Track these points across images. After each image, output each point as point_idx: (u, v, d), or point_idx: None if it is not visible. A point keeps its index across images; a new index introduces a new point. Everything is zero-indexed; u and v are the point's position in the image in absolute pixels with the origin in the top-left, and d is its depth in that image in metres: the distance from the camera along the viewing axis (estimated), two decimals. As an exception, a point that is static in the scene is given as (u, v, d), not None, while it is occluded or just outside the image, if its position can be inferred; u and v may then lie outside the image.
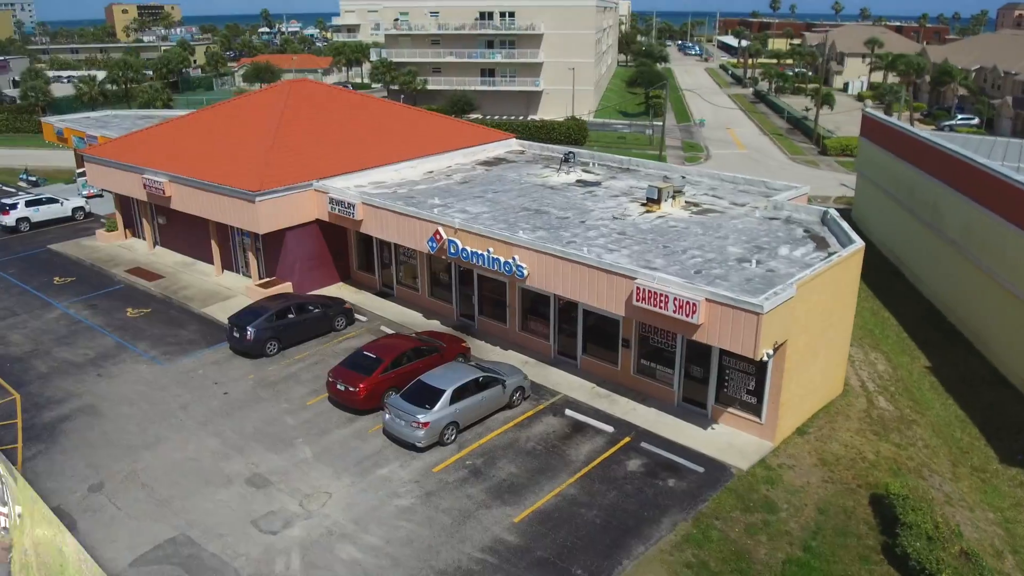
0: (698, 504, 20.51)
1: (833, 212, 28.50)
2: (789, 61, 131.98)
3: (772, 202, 30.59)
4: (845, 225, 27.10)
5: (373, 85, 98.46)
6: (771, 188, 33.09)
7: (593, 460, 22.14)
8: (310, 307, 29.47)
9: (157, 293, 34.54)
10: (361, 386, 23.78)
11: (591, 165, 37.97)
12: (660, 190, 30.22)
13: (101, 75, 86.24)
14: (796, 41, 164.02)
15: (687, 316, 21.34)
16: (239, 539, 18.99)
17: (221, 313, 31.82)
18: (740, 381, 23.40)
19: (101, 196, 50.66)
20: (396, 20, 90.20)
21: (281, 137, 34.95)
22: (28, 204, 45.00)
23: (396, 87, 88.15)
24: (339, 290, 34.41)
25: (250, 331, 27.58)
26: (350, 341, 29.56)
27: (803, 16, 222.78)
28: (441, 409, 22.20)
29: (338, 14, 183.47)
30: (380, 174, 35.44)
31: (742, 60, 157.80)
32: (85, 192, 50.81)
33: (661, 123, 71.52)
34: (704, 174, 35.37)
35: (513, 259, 25.52)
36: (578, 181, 35.17)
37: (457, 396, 22.65)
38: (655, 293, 21.81)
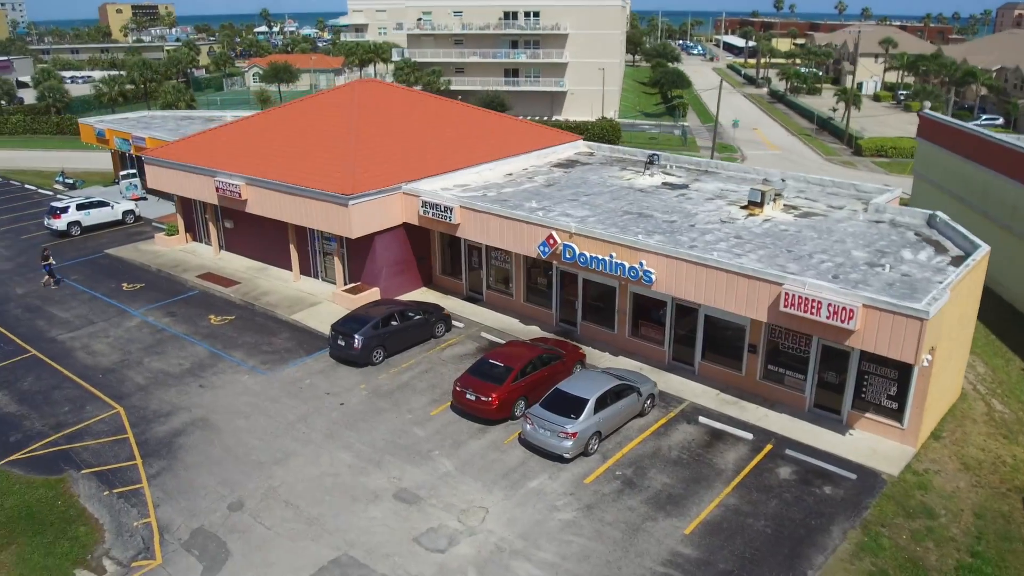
0: (861, 511, 20.09)
1: (942, 215, 28.20)
2: (797, 61, 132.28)
3: (874, 205, 30.23)
4: (960, 228, 26.79)
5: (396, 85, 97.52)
6: (862, 191, 32.77)
7: (743, 468, 21.64)
8: (411, 313, 28.77)
9: (237, 300, 33.69)
10: (494, 396, 23.15)
11: (668, 167, 37.48)
12: (763, 193, 29.79)
13: (100, 75, 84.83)
14: (800, 41, 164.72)
15: (842, 322, 20.89)
16: (407, 559, 18.30)
17: (311, 320, 31.06)
18: (880, 386, 22.98)
19: (145, 199, 49.66)
20: (419, 20, 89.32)
21: (361, 139, 34.21)
22: (79, 207, 43.92)
23: (420, 87, 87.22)
24: (424, 295, 33.71)
25: (358, 339, 26.84)
26: (453, 348, 28.90)
27: (803, 16, 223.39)
28: (587, 419, 21.63)
29: (339, 13, 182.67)
30: (462, 176, 34.77)
31: (752, 60, 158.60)
32: (129, 195, 49.76)
33: (714, 124, 71.11)
34: (788, 175, 34.96)
35: (640, 264, 24.97)
36: (664, 184, 34.69)
37: (600, 405, 22.09)
38: (806, 299, 21.34)
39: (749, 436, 23.14)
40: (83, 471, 22.07)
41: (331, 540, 18.97)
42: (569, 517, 19.61)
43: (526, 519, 19.55)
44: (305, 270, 35.37)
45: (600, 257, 25.89)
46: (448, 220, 30.30)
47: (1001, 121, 79.04)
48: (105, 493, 21.11)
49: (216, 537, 19.26)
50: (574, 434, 21.31)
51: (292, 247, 34.72)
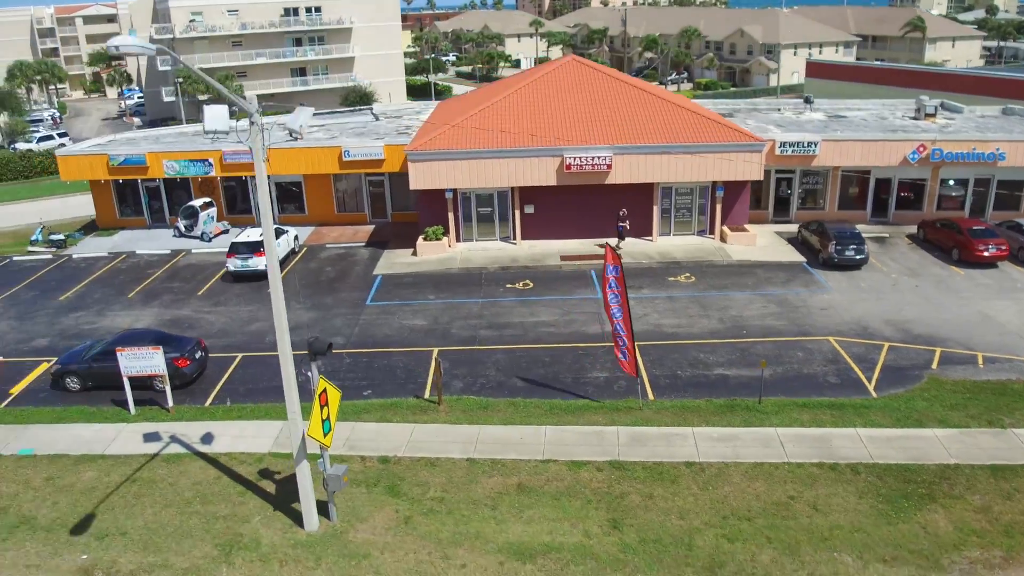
0: None
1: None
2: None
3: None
4: None
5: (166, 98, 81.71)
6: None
7: None
8: (845, 225, 36.04)
9: (659, 263, 35.01)
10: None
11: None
12: (936, 107, 44.10)
13: None
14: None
15: None
16: None
17: (763, 255, 35.36)
18: None
19: (227, 231, 40.84)
20: (191, 21, 77.47)
21: (673, 101, 38.09)
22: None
23: (206, 96, 77.24)
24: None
25: (865, 248, 33.60)
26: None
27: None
28: None
29: None
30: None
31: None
32: (212, 229, 40.21)
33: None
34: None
35: (997, 149, 37.02)
36: (828, 116, 46.35)
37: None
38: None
39: None
40: None
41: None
42: None
43: None
44: (648, 231, 37.78)
45: (963, 152, 37.24)
46: (812, 153, 37.57)
47: (686, 75, 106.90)
48: None
49: None
50: None
51: (656, 208, 37.09)
